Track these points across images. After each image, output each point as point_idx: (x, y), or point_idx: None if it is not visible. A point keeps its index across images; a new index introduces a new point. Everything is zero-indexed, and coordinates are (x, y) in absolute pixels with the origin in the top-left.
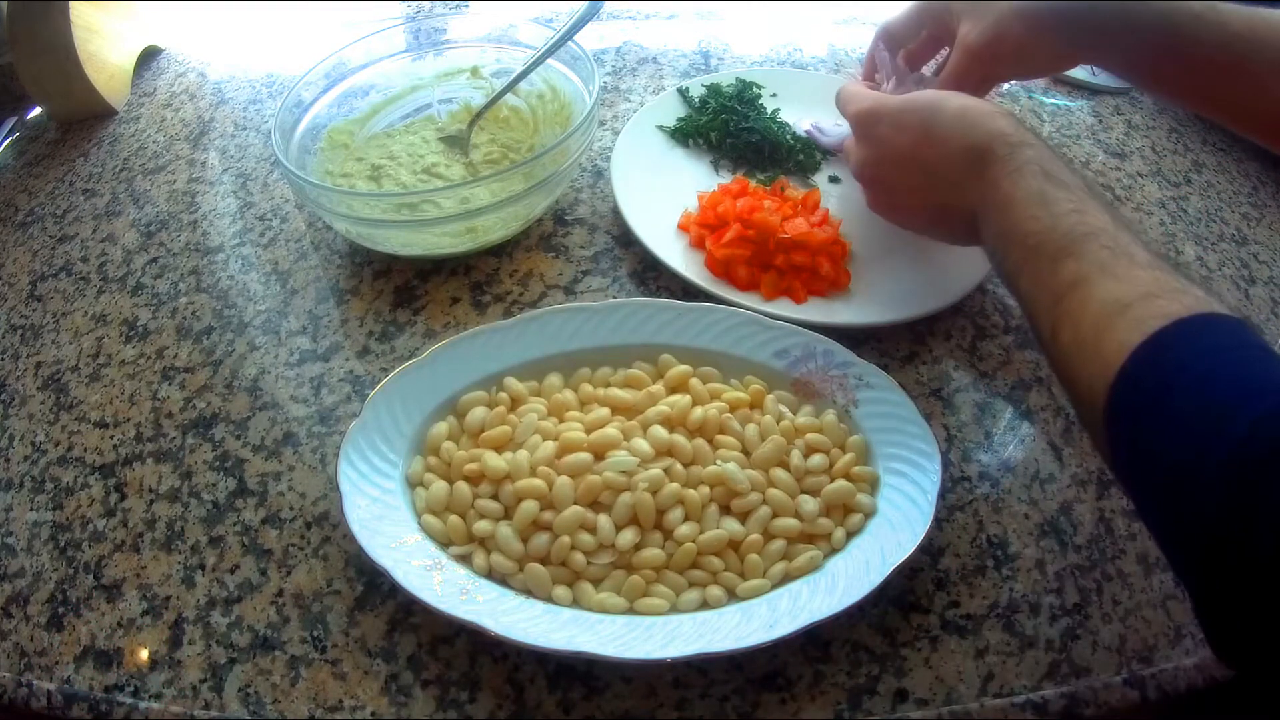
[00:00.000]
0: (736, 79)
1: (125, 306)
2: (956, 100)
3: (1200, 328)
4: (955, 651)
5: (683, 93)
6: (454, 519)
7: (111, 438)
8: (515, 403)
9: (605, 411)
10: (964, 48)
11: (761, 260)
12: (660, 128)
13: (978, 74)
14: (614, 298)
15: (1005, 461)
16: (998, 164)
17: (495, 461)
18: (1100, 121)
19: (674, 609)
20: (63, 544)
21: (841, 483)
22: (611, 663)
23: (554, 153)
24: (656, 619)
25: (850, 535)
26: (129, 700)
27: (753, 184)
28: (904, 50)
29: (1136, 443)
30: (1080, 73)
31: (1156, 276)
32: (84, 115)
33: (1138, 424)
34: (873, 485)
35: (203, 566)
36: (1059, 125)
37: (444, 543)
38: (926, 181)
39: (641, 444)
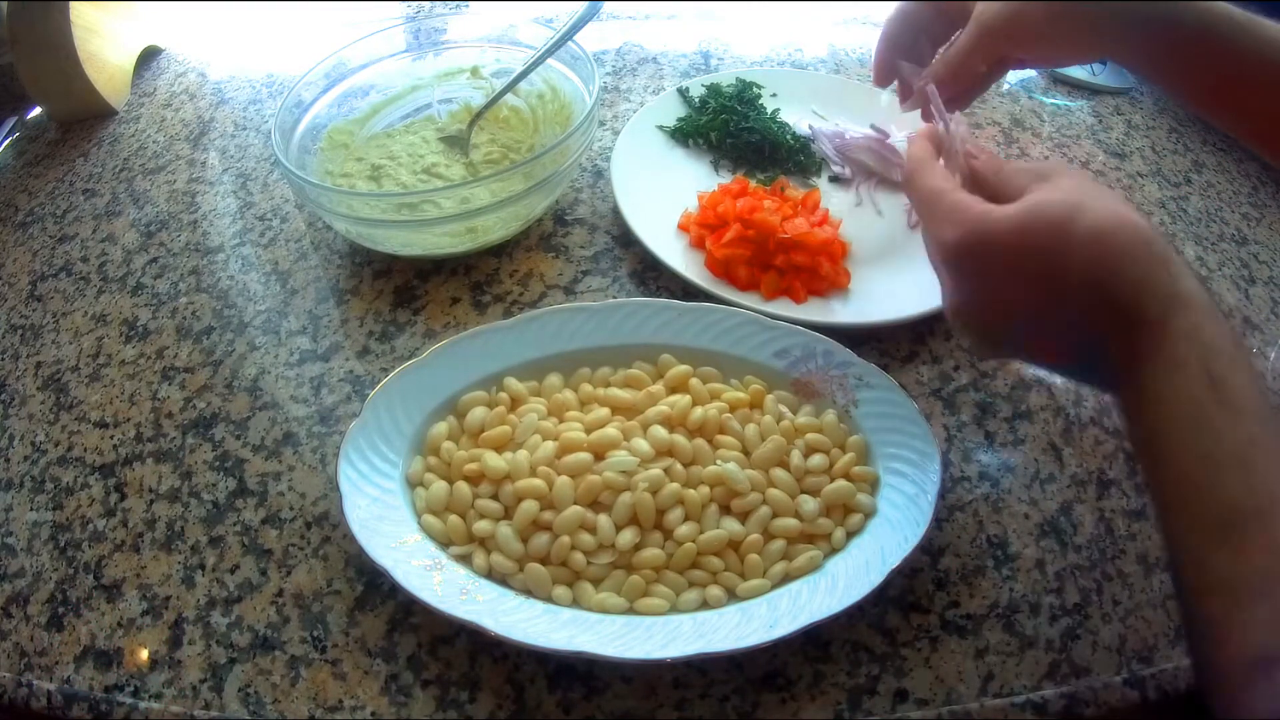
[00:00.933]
0: (736, 79)
1: (125, 306)
2: (1088, 224)
3: None
4: (955, 651)
5: (683, 93)
6: (454, 519)
7: (111, 438)
8: (515, 403)
9: (605, 411)
10: (980, 25)
11: (761, 260)
12: (660, 128)
13: (992, 54)
14: (614, 298)
15: (1005, 461)
16: (1148, 336)
17: (495, 461)
18: (1100, 121)
19: (674, 609)
20: (63, 544)
21: (841, 483)
22: (611, 663)
23: (554, 153)
24: (656, 619)
25: (850, 535)
26: (129, 700)
27: (753, 184)
28: (934, 60)
29: None
30: (1080, 72)
31: None
32: (84, 115)
33: None
34: (873, 485)
35: (203, 566)
36: (1059, 125)
37: (444, 543)
38: (1039, 336)
39: (641, 444)
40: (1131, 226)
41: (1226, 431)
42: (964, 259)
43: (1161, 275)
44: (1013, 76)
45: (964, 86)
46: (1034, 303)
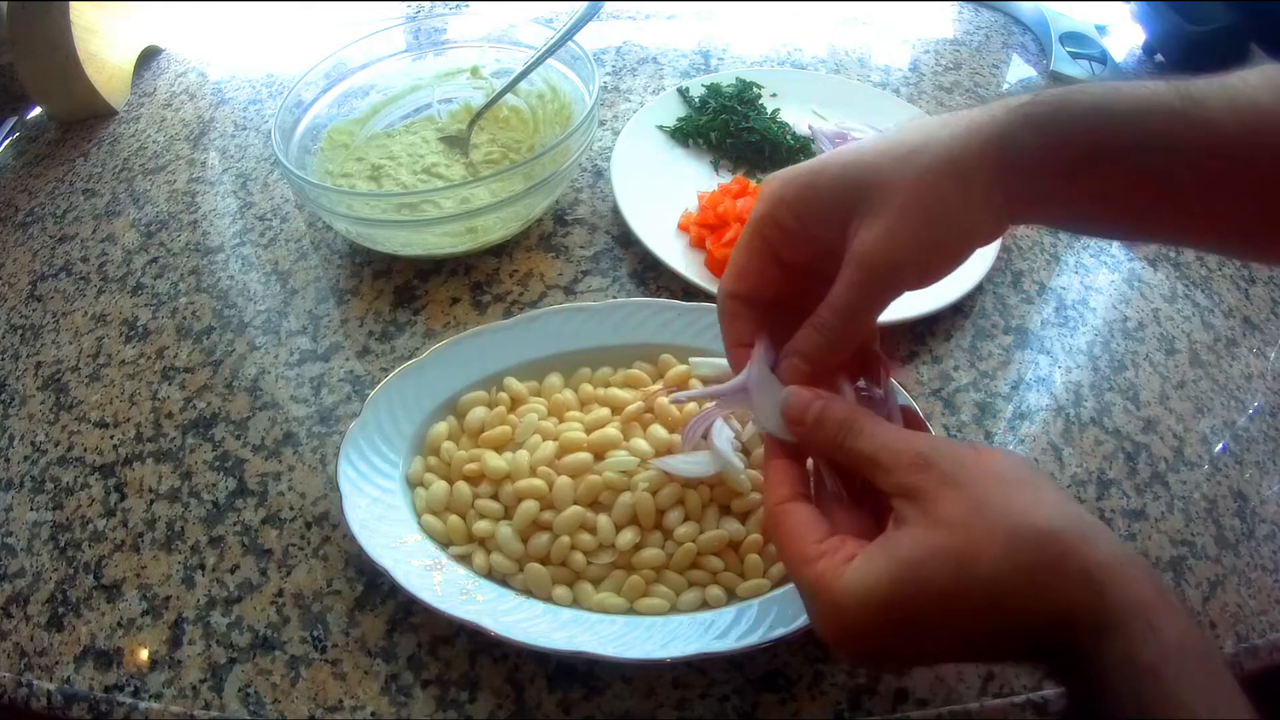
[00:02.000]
0: (736, 79)
1: (125, 306)
2: (986, 571)
3: None
4: None
5: (683, 93)
6: (454, 519)
7: (111, 438)
8: (515, 403)
9: (605, 411)
10: (858, 266)
11: None
12: (660, 128)
13: (884, 297)
14: (614, 298)
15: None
16: (1083, 663)
17: (495, 461)
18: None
19: (674, 609)
20: (63, 544)
21: None
22: (611, 663)
23: (554, 153)
24: (656, 619)
25: None
26: (129, 700)
27: (753, 184)
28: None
29: None
30: (1080, 73)
31: None
32: (84, 115)
33: None
34: None
35: (203, 566)
36: None
37: (444, 543)
38: (955, 658)
39: (641, 444)
40: (1036, 551)
41: None
42: (847, 648)
43: (1084, 600)
44: (1012, 76)
45: (853, 348)
46: (937, 652)
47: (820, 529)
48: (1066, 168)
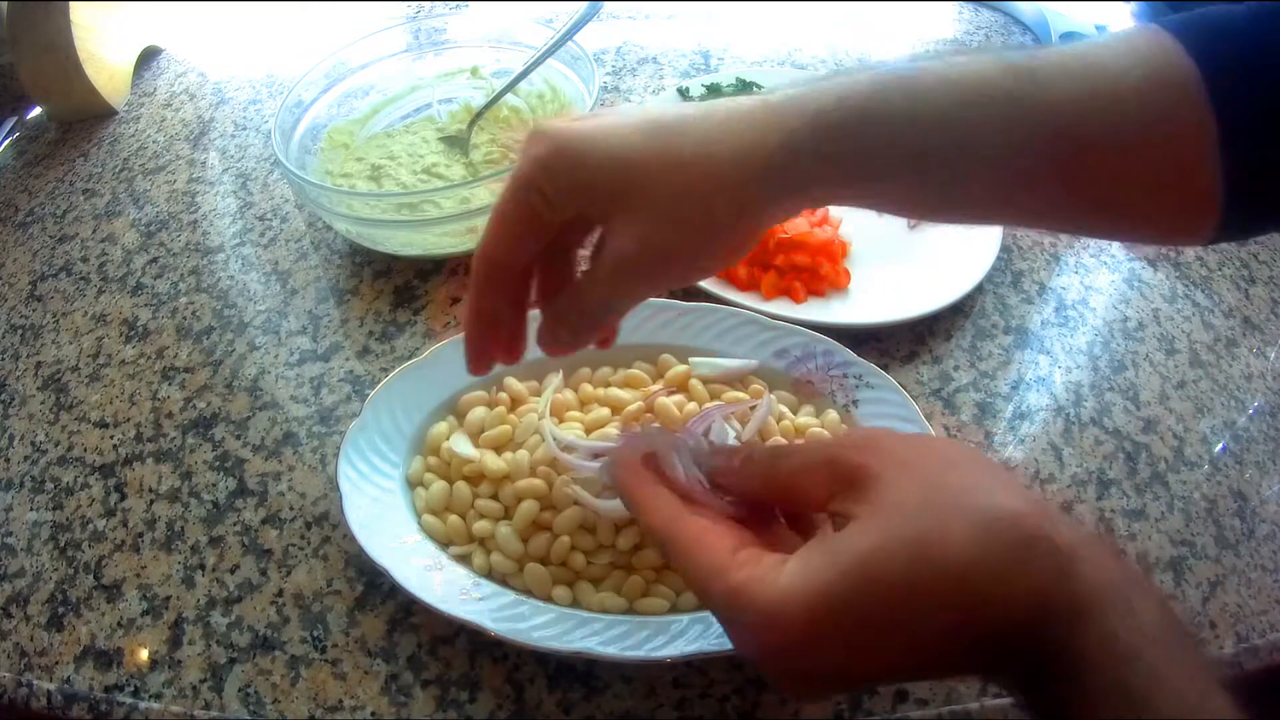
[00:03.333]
0: (736, 79)
1: (125, 306)
2: (948, 560)
3: None
4: None
5: (683, 93)
6: (454, 519)
7: (111, 438)
8: (515, 403)
9: (605, 411)
10: (616, 268)
11: (761, 260)
12: None
13: (648, 290)
14: None
15: (1005, 461)
16: (1053, 658)
17: (495, 462)
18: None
19: (674, 609)
20: (63, 544)
21: None
22: (611, 663)
23: None
24: (656, 619)
25: None
26: (129, 700)
27: None
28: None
29: None
30: None
31: None
32: (84, 115)
33: None
34: None
35: (203, 566)
36: None
37: (444, 543)
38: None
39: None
40: (1005, 531)
41: None
42: (778, 667)
43: (1057, 582)
44: None
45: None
46: (880, 668)
47: (732, 539)
48: (864, 179)
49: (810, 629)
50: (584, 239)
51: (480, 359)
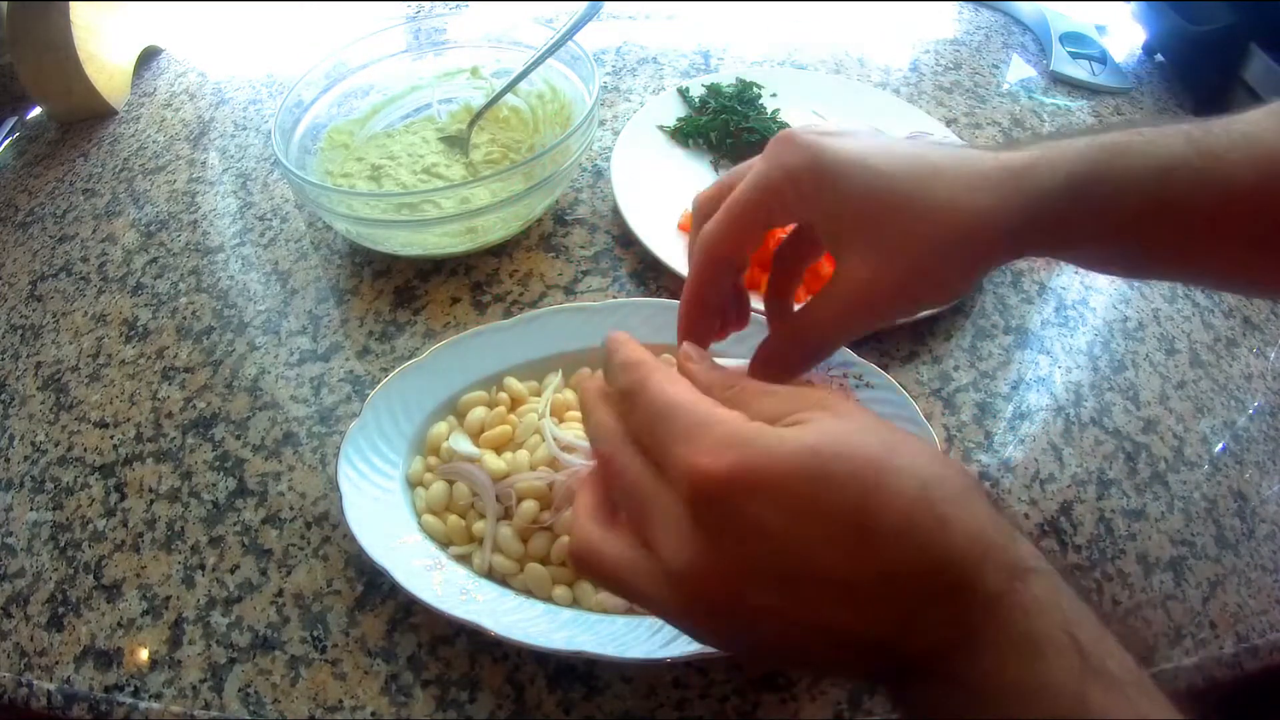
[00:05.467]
0: (736, 79)
1: (125, 306)
2: (906, 464)
3: None
4: None
5: (683, 93)
6: (454, 519)
7: (111, 438)
8: (515, 403)
9: None
10: (848, 305)
11: (761, 260)
12: (660, 128)
13: (859, 333)
14: (614, 298)
15: (1005, 461)
16: (983, 611)
17: (495, 462)
18: (1100, 122)
19: None
20: (63, 544)
21: None
22: (611, 663)
23: (554, 153)
24: (657, 619)
25: None
26: (129, 700)
27: None
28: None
29: None
30: (1080, 72)
31: None
32: (84, 115)
33: None
34: None
35: (203, 566)
36: (1059, 125)
37: (444, 543)
38: (822, 608)
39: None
40: (958, 473)
41: (1115, 716)
42: (729, 501)
43: (997, 536)
44: (1012, 76)
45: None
46: (825, 566)
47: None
48: (1090, 232)
49: (773, 465)
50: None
51: (693, 338)
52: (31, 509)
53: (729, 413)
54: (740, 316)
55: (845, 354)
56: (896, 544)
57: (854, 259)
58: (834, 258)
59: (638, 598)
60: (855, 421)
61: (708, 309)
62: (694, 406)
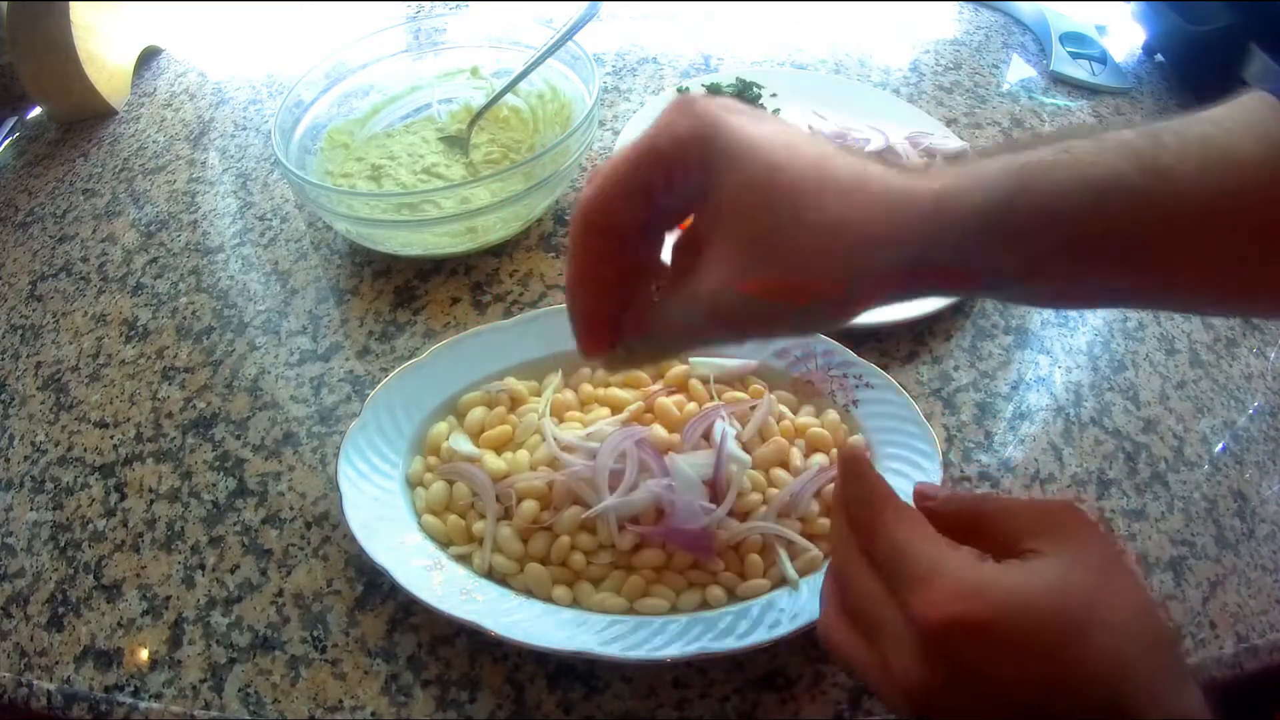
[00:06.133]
0: (736, 79)
1: (125, 306)
2: (1116, 602)
3: None
4: None
5: (683, 93)
6: (454, 519)
7: (111, 438)
8: (515, 403)
9: (605, 411)
10: (715, 287)
11: None
12: None
13: (717, 333)
14: None
15: (1005, 461)
16: None
17: (495, 462)
18: (1101, 121)
19: (674, 609)
20: (63, 544)
21: None
22: (611, 663)
23: (554, 153)
24: (656, 619)
25: None
26: (129, 700)
27: None
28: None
29: None
30: (1080, 72)
31: None
32: (84, 115)
33: None
34: None
35: (203, 566)
36: (1059, 125)
37: (444, 543)
38: None
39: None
40: (1152, 621)
41: None
42: (955, 646)
43: (1171, 697)
44: (1012, 76)
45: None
46: (1032, 703)
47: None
48: (1012, 270)
49: (995, 616)
50: (665, 232)
51: (589, 333)
52: (31, 509)
53: (959, 556)
54: (621, 312)
55: (845, 354)
56: (1086, 696)
57: (720, 253)
58: (703, 246)
59: (871, 689)
60: (1077, 559)
61: (598, 291)
62: (924, 553)
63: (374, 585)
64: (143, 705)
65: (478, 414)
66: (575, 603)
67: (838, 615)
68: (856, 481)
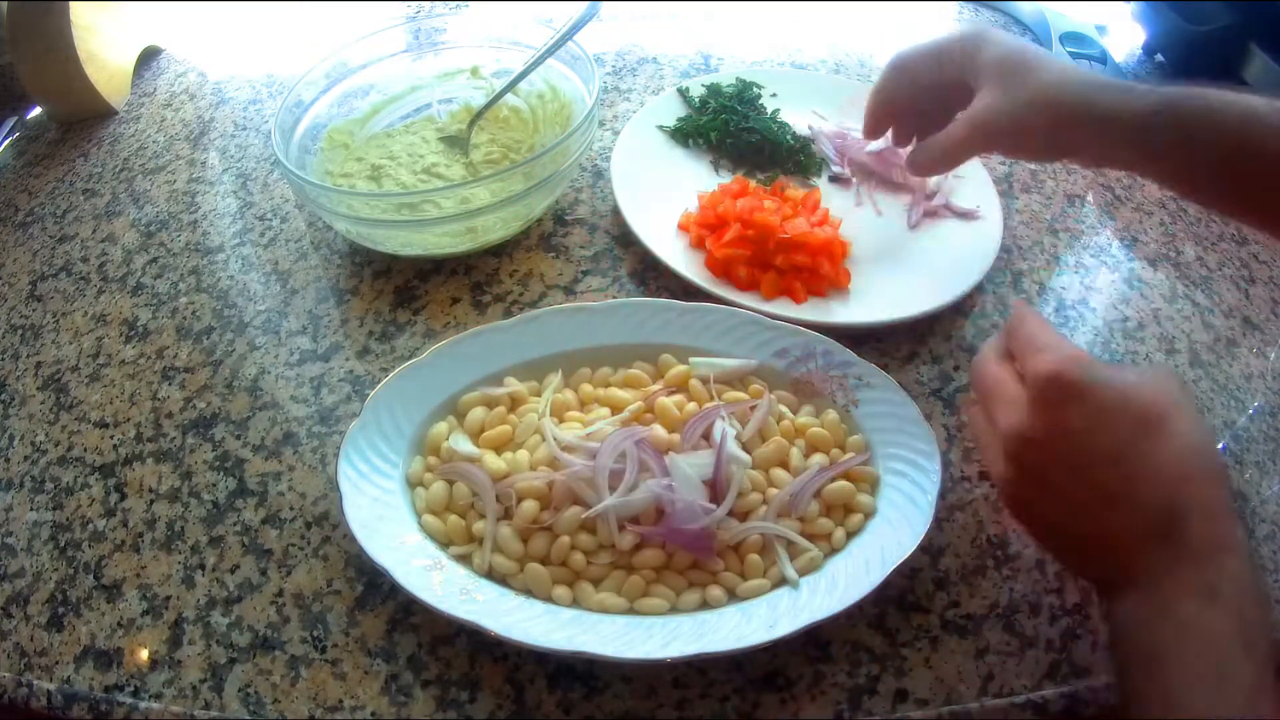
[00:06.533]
0: (736, 79)
1: (125, 306)
2: (1184, 428)
3: None
4: (955, 651)
5: (683, 93)
6: (454, 519)
7: (111, 438)
8: (515, 403)
9: (605, 411)
10: (977, 127)
11: (761, 260)
12: (660, 128)
13: (977, 150)
14: (614, 298)
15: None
16: (1188, 557)
17: (495, 462)
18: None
19: (674, 609)
20: (63, 544)
21: (841, 483)
22: (611, 663)
23: (554, 153)
24: (656, 619)
25: (850, 535)
26: (129, 700)
27: (753, 184)
28: (917, 149)
29: None
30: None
31: None
32: (84, 115)
33: None
34: (873, 485)
35: (203, 566)
36: None
37: (444, 543)
38: (1092, 508)
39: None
40: (1215, 456)
41: (1240, 675)
42: (1062, 395)
43: (1225, 517)
44: None
45: (939, 172)
46: (1098, 468)
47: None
48: (1174, 152)
49: (1092, 384)
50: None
51: (871, 124)
52: (31, 509)
53: (1077, 347)
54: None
55: (845, 354)
56: (1154, 480)
57: (987, 91)
58: (975, 92)
59: (981, 449)
60: (1166, 380)
61: (891, 109)
62: (1052, 338)
63: (374, 585)
64: (143, 705)
65: (478, 414)
66: (575, 603)
67: (973, 405)
68: (1021, 316)
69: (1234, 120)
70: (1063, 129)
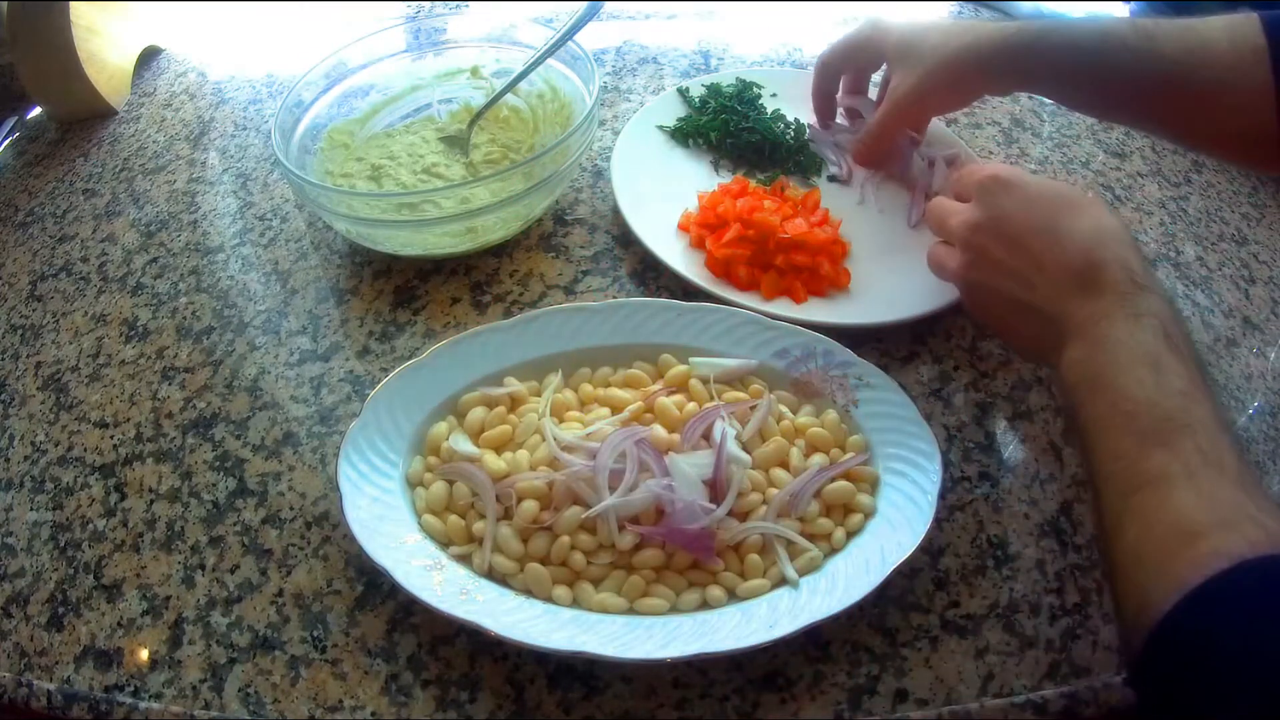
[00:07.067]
0: (736, 79)
1: (125, 306)
2: (1098, 210)
3: (1261, 575)
4: (955, 651)
5: (683, 93)
6: (454, 519)
7: (111, 438)
8: (515, 403)
9: (605, 411)
10: (893, 101)
11: (761, 260)
12: (660, 128)
13: (908, 123)
14: (614, 298)
15: (1005, 461)
16: (1112, 296)
17: (495, 462)
18: (1101, 121)
19: (674, 609)
20: (63, 544)
21: (842, 483)
22: (611, 663)
23: (554, 153)
24: (656, 619)
25: (850, 535)
26: (129, 700)
27: (753, 184)
28: (855, 139)
29: (1170, 703)
30: None
31: (1238, 499)
32: (84, 115)
33: (1173, 685)
34: (873, 485)
35: (203, 566)
36: (1059, 125)
37: (444, 543)
38: (1028, 274)
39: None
40: (1126, 232)
41: (1173, 369)
42: (991, 187)
43: (1138, 266)
44: None
45: (887, 150)
46: (1029, 240)
47: None
48: (1050, 74)
49: (1024, 180)
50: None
51: (818, 112)
52: (31, 509)
53: (1012, 169)
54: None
55: (845, 354)
56: (1069, 242)
57: (895, 73)
58: (892, 75)
59: (941, 269)
60: (1082, 191)
61: (830, 101)
62: (992, 163)
63: (374, 585)
64: (143, 705)
65: (478, 414)
66: (575, 603)
67: (934, 246)
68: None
69: (1093, 40)
70: (963, 82)
